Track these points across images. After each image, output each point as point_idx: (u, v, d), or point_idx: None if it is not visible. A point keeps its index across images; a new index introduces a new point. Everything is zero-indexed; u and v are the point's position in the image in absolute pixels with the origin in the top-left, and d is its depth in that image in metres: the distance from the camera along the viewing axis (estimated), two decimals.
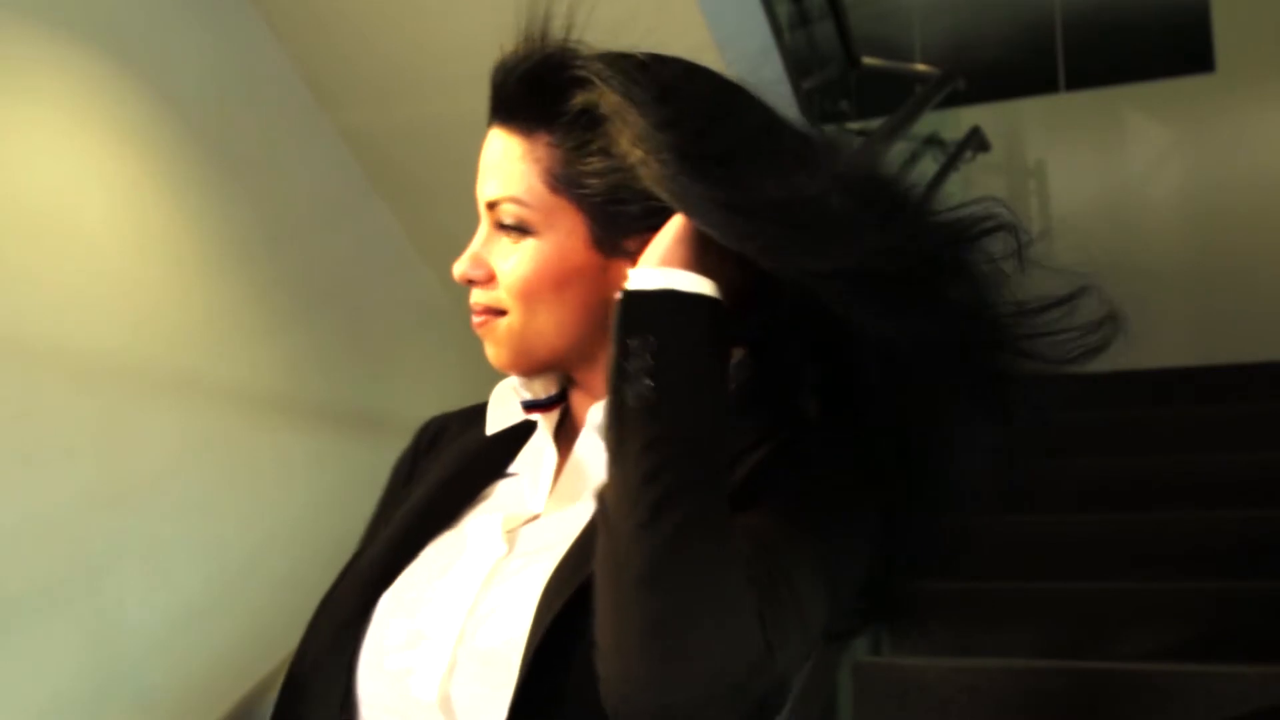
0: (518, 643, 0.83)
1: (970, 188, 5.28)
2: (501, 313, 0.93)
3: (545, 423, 1.01)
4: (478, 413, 1.06)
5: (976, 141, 5.09)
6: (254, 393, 3.06)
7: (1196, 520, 3.21)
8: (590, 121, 0.90)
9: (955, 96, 4.88)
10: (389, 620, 0.91)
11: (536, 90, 0.92)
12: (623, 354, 0.79)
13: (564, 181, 0.91)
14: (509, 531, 0.94)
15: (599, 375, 0.92)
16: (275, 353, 3.17)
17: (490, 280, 0.93)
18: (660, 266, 0.83)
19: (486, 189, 0.93)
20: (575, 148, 0.91)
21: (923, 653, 3.01)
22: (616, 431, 0.78)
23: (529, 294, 0.92)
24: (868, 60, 4.85)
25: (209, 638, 2.73)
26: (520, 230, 0.92)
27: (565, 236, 0.92)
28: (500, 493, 1.00)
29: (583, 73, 0.90)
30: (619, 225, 0.91)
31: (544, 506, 0.96)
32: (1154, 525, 3.20)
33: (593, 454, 0.94)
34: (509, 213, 0.92)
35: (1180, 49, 5.51)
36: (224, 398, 2.97)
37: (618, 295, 0.84)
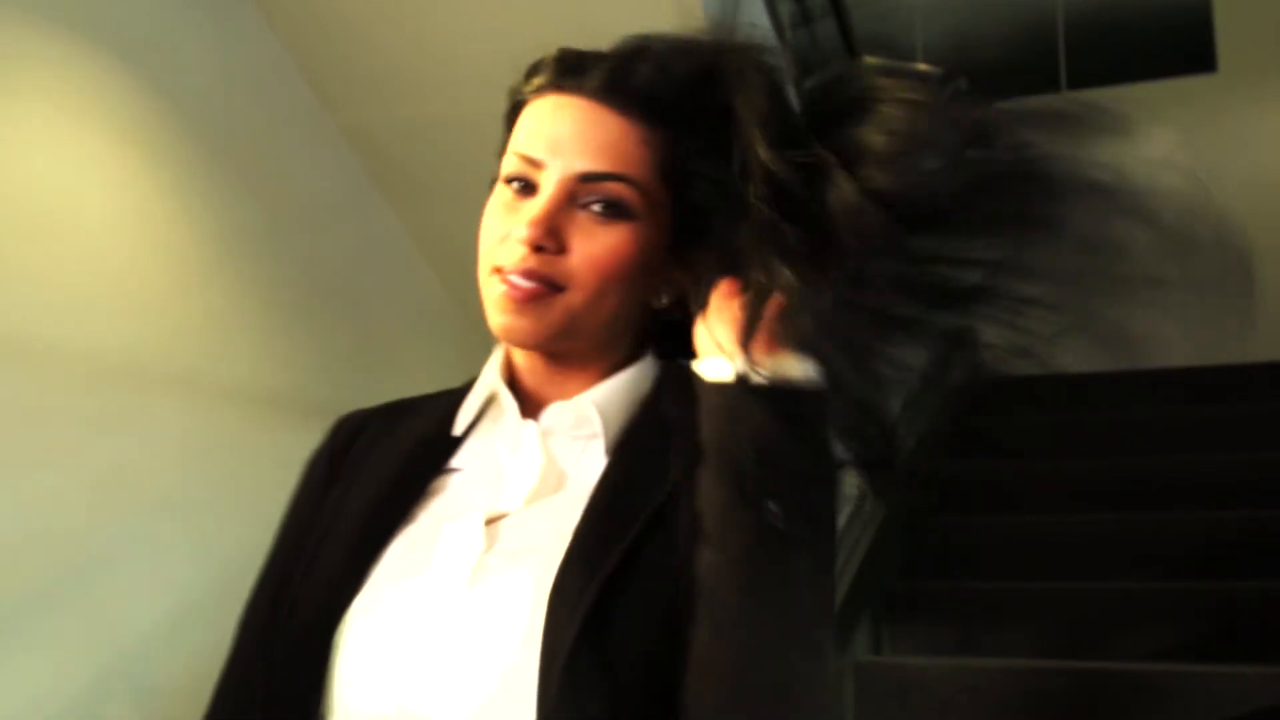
0: (512, 644, 0.83)
1: None
2: (560, 289, 0.90)
3: (528, 424, 0.98)
4: (398, 410, 1.04)
5: None
6: (255, 391, 3.06)
7: (1197, 520, 3.21)
8: (718, 123, 0.89)
9: (956, 96, 4.87)
10: (367, 625, 0.88)
11: (670, 79, 0.91)
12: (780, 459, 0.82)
13: (675, 177, 0.91)
14: (488, 524, 0.91)
15: (590, 372, 0.96)
16: (276, 352, 3.17)
17: (560, 252, 0.90)
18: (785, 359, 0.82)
19: (582, 161, 0.90)
20: (695, 147, 0.91)
21: (923, 652, 3.01)
22: (773, 547, 0.81)
23: (608, 278, 0.90)
24: (869, 60, 4.84)
25: (209, 637, 2.72)
26: (619, 212, 0.90)
27: (656, 231, 0.92)
28: (453, 489, 0.97)
29: (732, 68, 0.89)
30: (700, 236, 0.91)
31: (520, 503, 0.93)
32: (1154, 525, 3.20)
33: (561, 453, 0.95)
34: (615, 191, 0.90)
35: (1182, 49, 5.51)
36: (225, 396, 2.97)
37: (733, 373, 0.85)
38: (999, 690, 2.53)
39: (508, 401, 0.98)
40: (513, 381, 1.00)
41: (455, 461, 0.99)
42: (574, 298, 0.90)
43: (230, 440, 2.95)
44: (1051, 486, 3.58)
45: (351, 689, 0.87)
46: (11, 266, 2.44)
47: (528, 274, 0.89)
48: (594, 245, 0.90)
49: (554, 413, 0.96)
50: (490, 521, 0.92)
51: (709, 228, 0.90)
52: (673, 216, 0.92)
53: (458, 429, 1.00)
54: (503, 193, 0.94)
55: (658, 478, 0.88)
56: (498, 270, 0.91)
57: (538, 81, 0.95)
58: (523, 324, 0.90)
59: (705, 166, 0.90)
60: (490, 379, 0.99)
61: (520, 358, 0.99)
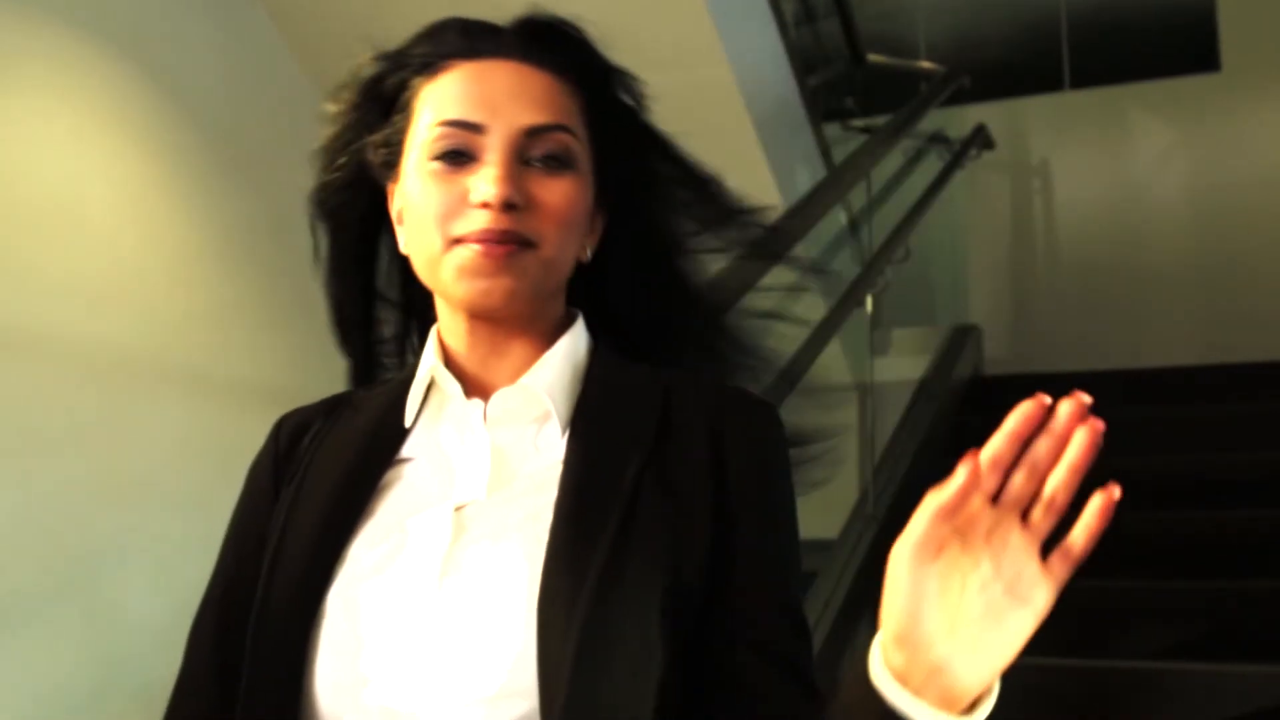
0: (502, 651, 0.82)
1: (975, 186, 5.29)
2: (533, 244, 0.90)
3: (473, 405, 0.96)
4: (339, 404, 1.02)
5: (981, 139, 5.09)
6: (257, 386, 3.06)
7: (1200, 519, 3.21)
8: (609, 83, 0.99)
9: (960, 94, 4.88)
10: (342, 626, 0.86)
11: (574, 40, 0.96)
12: None
13: (594, 128, 0.96)
14: (457, 510, 0.90)
15: (531, 336, 0.96)
16: (278, 347, 3.17)
17: (525, 208, 0.90)
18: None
19: (525, 115, 0.91)
20: (602, 101, 0.98)
21: None
22: None
23: (567, 229, 0.92)
24: (873, 57, 4.84)
25: None
26: (563, 163, 0.92)
27: (587, 179, 0.95)
28: (408, 479, 0.95)
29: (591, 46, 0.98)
30: (606, 190, 0.99)
31: (483, 491, 0.91)
32: (1157, 524, 3.19)
33: (512, 442, 0.94)
34: (562, 141, 0.92)
35: (1185, 48, 5.50)
36: (227, 391, 2.97)
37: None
38: (1001, 687, 2.53)
39: (450, 385, 0.96)
40: (451, 366, 0.97)
41: (405, 451, 0.97)
42: (546, 252, 0.91)
43: (232, 434, 2.95)
44: None
45: (331, 692, 0.85)
46: (13, 260, 2.44)
47: (502, 235, 0.88)
48: (552, 196, 0.91)
49: (502, 398, 0.95)
50: (456, 510, 0.90)
51: (624, 181, 0.99)
52: (595, 167, 0.97)
53: (407, 418, 0.97)
54: (428, 168, 0.92)
55: (624, 453, 0.89)
56: (459, 240, 0.90)
57: (443, 53, 0.95)
58: (504, 283, 0.89)
59: (613, 120, 0.98)
60: (430, 363, 0.97)
61: (457, 338, 0.97)
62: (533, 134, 0.91)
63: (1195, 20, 5.50)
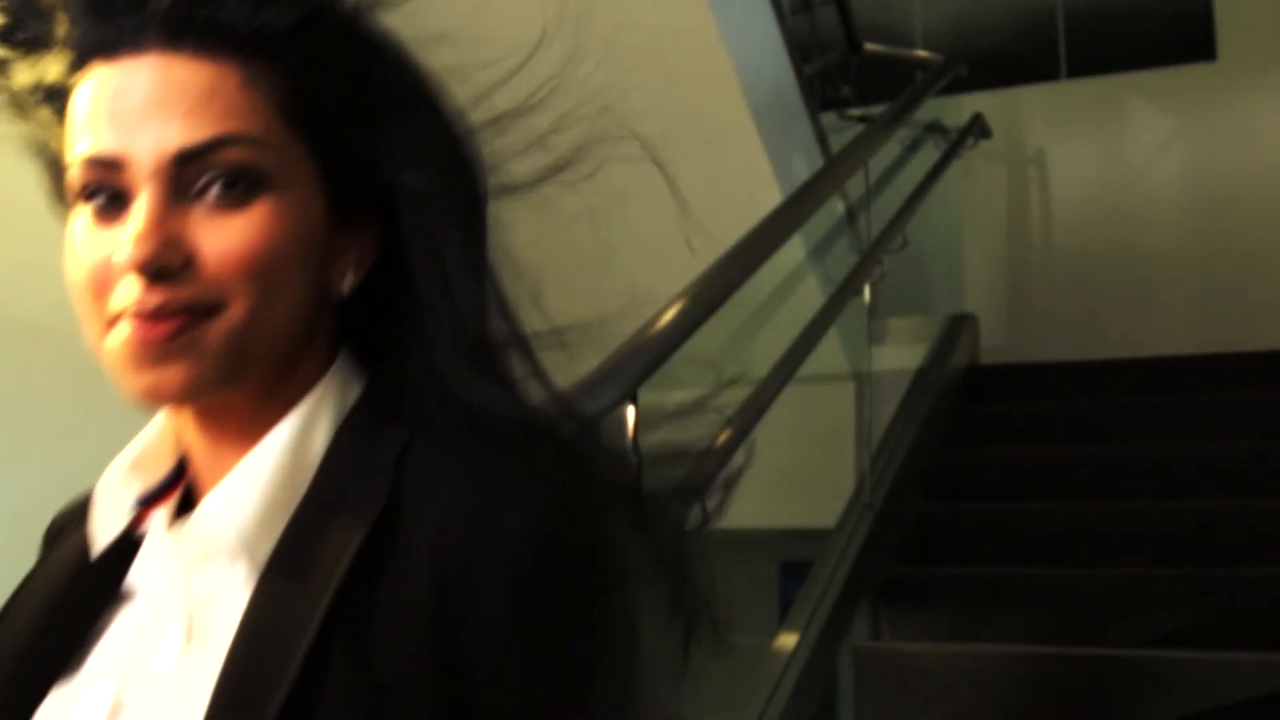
0: None
1: (971, 175, 5.29)
2: (211, 310, 0.65)
3: (163, 523, 0.72)
4: (79, 513, 0.79)
5: (978, 128, 5.09)
6: None
7: (1197, 507, 3.22)
8: (333, 35, 0.69)
9: (957, 83, 4.87)
10: None
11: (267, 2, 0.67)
12: None
13: (303, 115, 0.68)
14: (119, 692, 0.67)
15: (271, 410, 0.69)
16: None
17: (188, 266, 0.64)
18: None
19: (173, 135, 0.64)
20: (316, 72, 0.68)
21: (922, 638, 3.02)
22: None
23: (267, 274, 0.66)
24: (870, 46, 4.84)
25: None
26: (251, 185, 0.65)
27: (303, 191, 0.68)
28: (115, 630, 0.71)
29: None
30: (359, 184, 0.71)
31: (172, 659, 0.67)
32: (1154, 512, 3.20)
33: (216, 589, 0.67)
34: (233, 159, 0.65)
35: (1182, 37, 5.50)
36: None
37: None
38: (997, 676, 2.54)
39: (146, 507, 0.73)
40: (189, 462, 0.74)
41: (132, 577, 0.73)
42: (233, 315, 0.65)
43: None
44: (1050, 473, 3.58)
45: None
46: (11, 251, 2.44)
47: (159, 309, 0.64)
48: (232, 239, 0.65)
49: (187, 537, 0.69)
50: (121, 687, 0.68)
51: (374, 170, 0.70)
52: (322, 169, 0.69)
53: (99, 541, 0.73)
54: (78, 213, 0.68)
55: (309, 608, 0.62)
56: (114, 320, 0.65)
57: (82, 45, 0.67)
58: (174, 374, 0.65)
59: (337, 92, 0.69)
60: (117, 473, 0.74)
61: (181, 429, 0.73)
62: (186, 160, 0.64)
63: (1192, 9, 5.49)
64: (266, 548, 0.65)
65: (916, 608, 3.12)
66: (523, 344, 0.73)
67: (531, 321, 0.74)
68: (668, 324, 2.01)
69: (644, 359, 1.90)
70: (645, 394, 1.94)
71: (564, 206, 0.80)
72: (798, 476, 3.56)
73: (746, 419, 2.44)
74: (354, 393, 0.72)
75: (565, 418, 0.73)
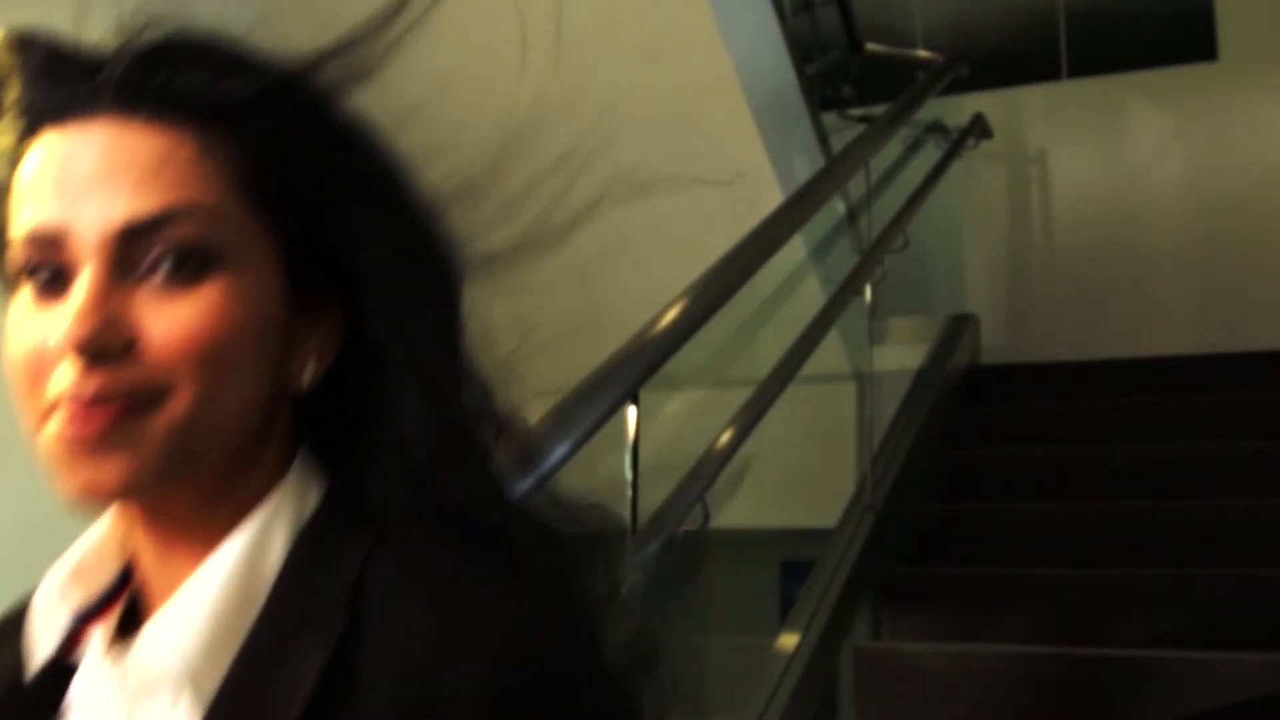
0: None
1: (972, 175, 5.29)
2: (154, 399, 0.59)
3: (102, 644, 0.65)
4: (16, 621, 0.69)
5: (979, 128, 5.09)
6: None
7: (1197, 507, 3.22)
8: (298, 108, 0.64)
9: (958, 83, 4.87)
10: None
11: (211, 57, 0.63)
12: None
13: (262, 190, 0.63)
14: None
15: (221, 515, 0.63)
16: None
17: (129, 350, 0.59)
18: None
19: (119, 207, 0.59)
20: (278, 145, 0.63)
21: (922, 638, 3.02)
22: None
23: (216, 361, 0.60)
24: (871, 46, 4.85)
25: None
26: (201, 263, 0.60)
27: (260, 272, 0.62)
28: None
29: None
30: (321, 266, 0.65)
31: None
32: (1154, 512, 3.20)
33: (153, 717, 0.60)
34: (183, 235, 0.60)
35: (1183, 37, 5.50)
36: None
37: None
38: (997, 676, 2.54)
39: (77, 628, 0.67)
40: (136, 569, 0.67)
41: (73, 696, 0.66)
42: (178, 404, 0.59)
43: None
44: (1050, 473, 3.59)
45: None
46: None
47: (97, 394, 0.58)
48: (179, 321, 0.59)
49: (123, 671, 0.62)
50: None
51: (338, 251, 0.64)
52: (282, 248, 0.64)
53: (35, 658, 0.66)
54: (19, 291, 0.62)
55: None
56: (51, 410, 0.59)
57: (34, 109, 0.63)
58: (111, 469, 0.58)
59: (300, 167, 0.64)
60: (54, 584, 0.67)
61: (129, 533, 0.67)
62: (133, 234, 0.59)
63: (1192, 9, 5.49)
64: (215, 678, 0.59)
65: (917, 608, 3.12)
66: (504, 428, 0.68)
67: (511, 395, 0.69)
68: (668, 324, 2.01)
69: (644, 359, 1.90)
70: (646, 394, 1.94)
71: (546, 269, 0.73)
72: (799, 477, 3.56)
73: (747, 419, 2.44)
74: (313, 498, 0.65)
75: (550, 505, 0.68)
